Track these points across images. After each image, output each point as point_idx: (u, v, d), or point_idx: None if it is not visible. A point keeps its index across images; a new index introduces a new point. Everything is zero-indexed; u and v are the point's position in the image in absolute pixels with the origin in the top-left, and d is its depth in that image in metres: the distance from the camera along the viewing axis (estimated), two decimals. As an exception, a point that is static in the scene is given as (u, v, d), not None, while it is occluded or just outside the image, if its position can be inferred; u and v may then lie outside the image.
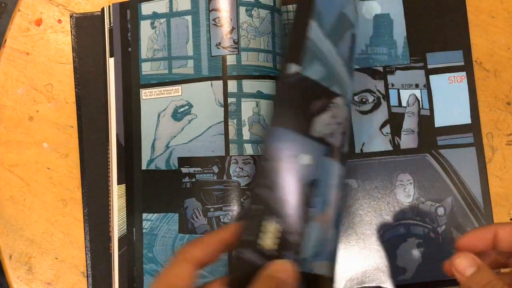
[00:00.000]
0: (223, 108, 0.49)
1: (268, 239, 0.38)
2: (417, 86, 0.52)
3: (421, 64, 0.52)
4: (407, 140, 0.51)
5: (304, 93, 0.41)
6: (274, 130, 0.40)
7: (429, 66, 0.52)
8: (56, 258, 0.52)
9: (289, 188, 0.39)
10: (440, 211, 0.50)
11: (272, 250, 0.37)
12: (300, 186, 0.39)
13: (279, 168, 0.39)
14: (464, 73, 0.52)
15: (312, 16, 0.42)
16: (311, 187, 0.40)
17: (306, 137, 0.40)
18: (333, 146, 0.41)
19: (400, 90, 0.52)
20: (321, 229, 0.40)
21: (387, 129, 0.52)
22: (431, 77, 0.52)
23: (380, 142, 0.51)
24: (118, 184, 0.51)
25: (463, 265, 0.40)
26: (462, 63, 0.52)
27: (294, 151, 0.40)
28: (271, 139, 0.40)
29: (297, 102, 0.41)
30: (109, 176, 0.51)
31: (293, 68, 0.41)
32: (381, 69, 0.52)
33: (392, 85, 0.52)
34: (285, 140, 0.40)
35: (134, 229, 0.50)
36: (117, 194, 0.51)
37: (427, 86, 0.52)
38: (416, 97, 0.52)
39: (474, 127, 0.52)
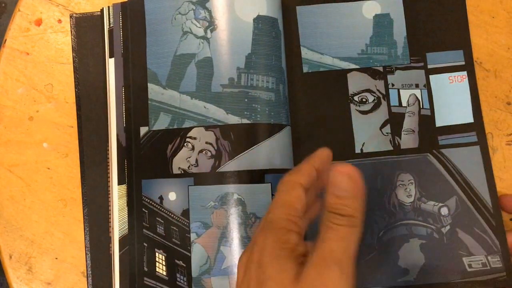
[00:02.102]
0: None
1: (160, 267, 0.49)
2: (417, 86, 0.52)
3: (421, 64, 0.52)
4: (408, 140, 0.51)
5: (157, 144, 0.50)
6: (141, 182, 0.50)
7: (429, 66, 0.52)
8: (56, 258, 0.52)
9: (166, 223, 0.49)
10: (444, 211, 0.50)
11: (164, 276, 0.48)
12: (174, 219, 0.49)
13: (153, 212, 0.49)
14: (465, 73, 0.52)
15: (148, 80, 0.51)
16: (184, 217, 0.49)
17: (168, 178, 0.49)
18: (198, 174, 0.49)
19: (400, 90, 0.52)
20: (205, 249, 0.48)
21: (387, 129, 0.51)
22: (431, 77, 0.52)
23: (380, 142, 0.51)
24: (118, 185, 0.51)
25: None
26: (463, 63, 0.52)
27: (160, 193, 0.49)
28: (140, 191, 0.50)
29: (154, 154, 0.50)
30: (109, 177, 0.51)
31: (143, 131, 0.50)
32: (381, 69, 0.52)
33: (392, 85, 0.52)
34: (150, 187, 0.49)
35: (135, 229, 0.50)
36: (117, 195, 0.51)
37: (427, 86, 0.52)
38: (416, 97, 0.52)
39: (477, 126, 0.51)
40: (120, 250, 0.50)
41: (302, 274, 0.33)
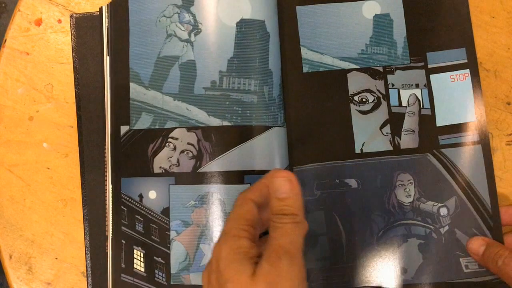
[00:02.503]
0: None
1: (138, 264, 0.49)
2: (417, 85, 0.52)
3: (421, 64, 0.52)
4: (408, 140, 0.51)
5: (138, 143, 0.50)
6: (120, 180, 0.50)
7: (430, 66, 0.52)
8: (56, 258, 0.52)
9: (146, 221, 0.50)
10: (443, 211, 0.50)
11: (142, 272, 0.49)
12: (153, 216, 0.49)
13: (132, 209, 0.50)
14: (467, 71, 0.52)
15: (130, 80, 0.51)
16: (164, 215, 0.49)
17: (148, 176, 0.50)
18: (179, 173, 0.49)
19: (400, 90, 0.52)
20: (184, 247, 0.49)
21: (387, 129, 0.51)
22: (432, 76, 0.52)
23: (380, 142, 0.51)
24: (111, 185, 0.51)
25: (475, 247, 0.49)
26: (465, 61, 0.52)
27: (140, 191, 0.50)
28: (119, 189, 0.50)
29: (134, 152, 0.50)
30: (106, 177, 0.51)
31: (123, 130, 0.51)
32: (381, 69, 0.52)
33: (392, 85, 0.52)
34: (130, 185, 0.50)
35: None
36: (111, 196, 0.51)
37: (428, 86, 0.52)
38: (417, 97, 0.52)
39: (479, 125, 0.51)
40: (112, 250, 0.50)
41: (256, 270, 0.36)
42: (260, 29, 0.50)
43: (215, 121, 0.49)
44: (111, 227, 0.50)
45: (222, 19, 0.50)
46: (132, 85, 0.51)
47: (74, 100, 0.53)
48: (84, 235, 0.51)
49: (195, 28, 0.50)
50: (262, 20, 0.50)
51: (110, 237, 0.50)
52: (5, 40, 0.54)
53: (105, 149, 0.51)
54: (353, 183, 0.51)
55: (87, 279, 0.51)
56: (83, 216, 0.51)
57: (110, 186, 0.51)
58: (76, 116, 0.53)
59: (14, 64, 0.54)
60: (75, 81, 0.53)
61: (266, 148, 0.49)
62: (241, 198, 0.41)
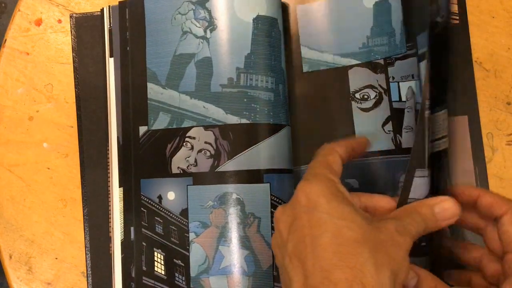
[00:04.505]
0: None
1: (158, 267, 0.49)
2: (413, 77, 0.50)
3: (414, 51, 0.50)
4: (409, 138, 0.50)
5: (156, 143, 0.50)
6: (140, 181, 0.50)
7: (420, 51, 0.47)
8: (56, 258, 0.52)
9: (165, 222, 0.49)
10: None
11: (163, 275, 0.48)
12: (172, 218, 0.49)
13: (152, 211, 0.49)
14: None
15: (147, 80, 0.51)
16: (183, 216, 0.49)
17: (167, 177, 0.49)
18: (197, 173, 0.49)
19: (400, 83, 0.50)
20: (204, 249, 0.48)
21: (389, 126, 0.50)
22: (421, 64, 0.46)
23: (382, 141, 0.50)
24: (119, 187, 0.51)
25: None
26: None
27: (159, 192, 0.49)
28: (139, 190, 0.50)
29: (153, 153, 0.50)
30: (109, 178, 0.51)
31: (142, 130, 0.50)
32: (382, 61, 0.51)
33: (393, 78, 0.50)
34: (149, 187, 0.50)
35: (132, 228, 0.50)
36: (118, 197, 0.51)
37: (418, 75, 0.49)
38: (413, 90, 0.50)
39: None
40: (122, 253, 0.50)
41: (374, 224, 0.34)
42: (274, 26, 0.50)
43: (232, 119, 0.48)
44: (119, 229, 0.50)
45: (238, 14, 0.50)
46: (149, 85, 0.50)
47: (74, 100, 0.53)
48: (84, 235, 0.51)
49: (211, 24, 0.50)
50: (276, 18, 0.50)
51: (118, 241, 0.50)
52: (5, 40, 0.54)
53: (108, 149, 0.51)
54: (354, 183, 0.51)
55: (87, 279, 0.51)
56: (83, 216, 0.51)
57: (117, 187, 0.50)
58: (76, 116, 0.53)
59: (14, 64, 0.54)
60: (75, 81, 0.53)
61: (285, 146, 0.49)
62: (328, 148, 0.39)
